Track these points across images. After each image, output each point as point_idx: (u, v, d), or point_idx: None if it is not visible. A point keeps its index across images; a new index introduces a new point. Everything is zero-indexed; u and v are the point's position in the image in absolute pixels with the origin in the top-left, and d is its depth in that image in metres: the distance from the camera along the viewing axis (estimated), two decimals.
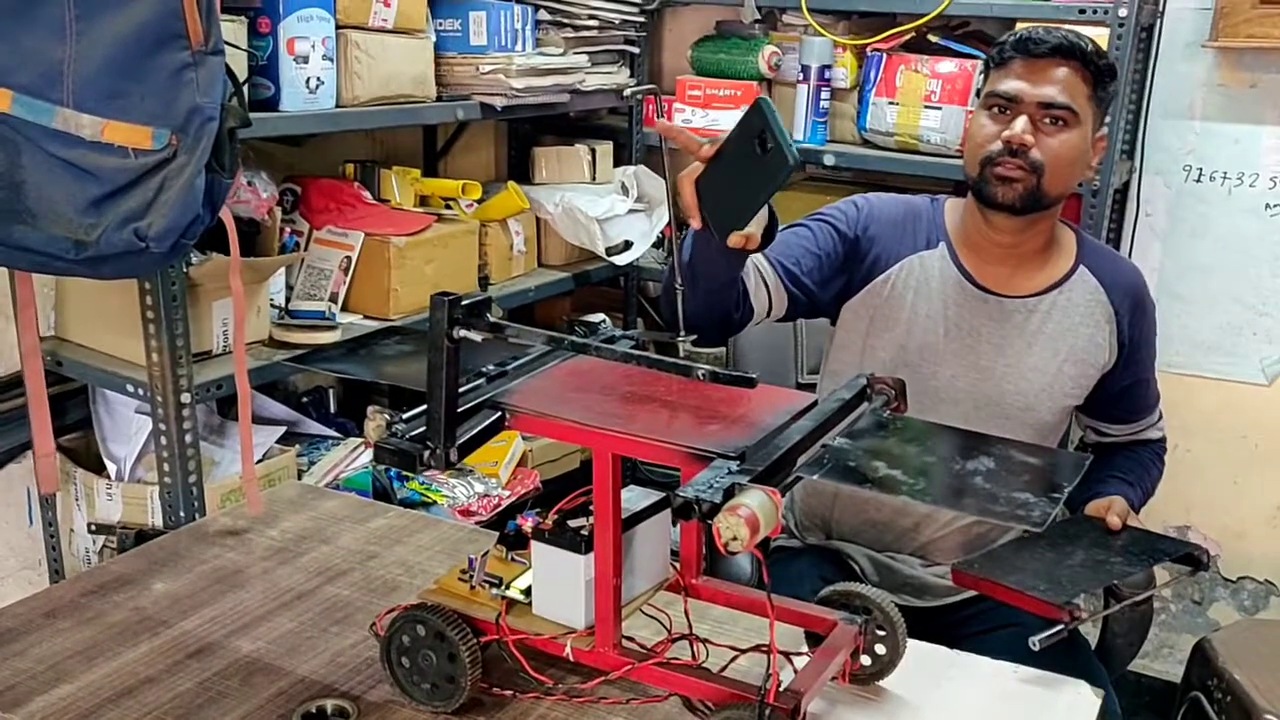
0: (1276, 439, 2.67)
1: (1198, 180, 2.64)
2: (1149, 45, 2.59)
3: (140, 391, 1.85)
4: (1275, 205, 2.58)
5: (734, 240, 1.28)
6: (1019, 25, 1.79)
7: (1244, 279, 2.64)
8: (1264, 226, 2.60)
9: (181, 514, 1.86)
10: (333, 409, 2.50)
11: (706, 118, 2.76)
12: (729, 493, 0.83)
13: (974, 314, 1.69)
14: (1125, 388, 1.77)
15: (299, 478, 2.10)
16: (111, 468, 2.01)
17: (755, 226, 1.32)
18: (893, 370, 1.65)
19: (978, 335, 1.69)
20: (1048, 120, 1.60)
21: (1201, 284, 2.69)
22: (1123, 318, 1.72)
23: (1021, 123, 1.59)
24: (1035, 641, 1.33)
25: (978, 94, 1.75)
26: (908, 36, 2.55)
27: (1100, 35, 2.31)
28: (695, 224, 1.29)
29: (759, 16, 2.70)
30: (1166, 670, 2.85)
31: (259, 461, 2.01)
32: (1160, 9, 2.55)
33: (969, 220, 1.72)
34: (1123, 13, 2.29)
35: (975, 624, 1.69)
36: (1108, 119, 1.71)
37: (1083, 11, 2.33)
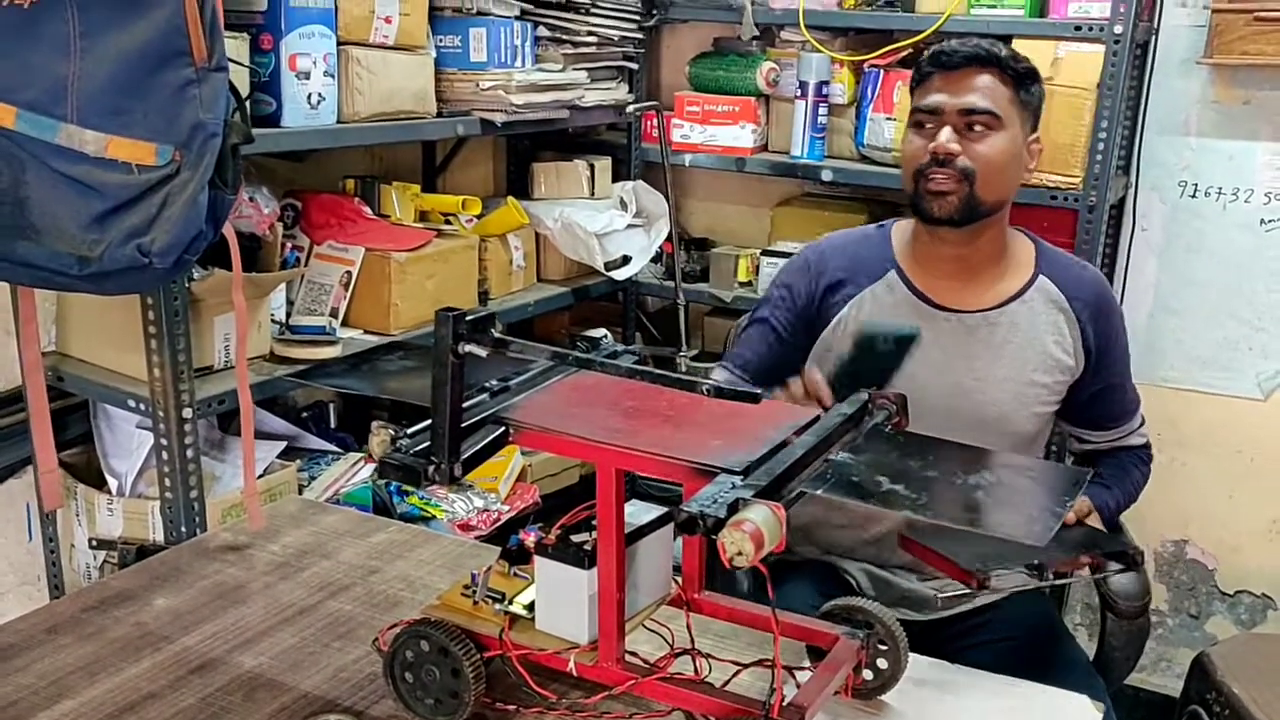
0: (1273, 453, 2.68)
1: (1193, 196, 2.66)
2: (1144, 62, 2.60)
3: (142, 406, 1.86)
4: (1270, 221, 2.60)
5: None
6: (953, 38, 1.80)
7: (1240, 294, 2.65)
8: (1259, 242, 2.61)
9: (183, 529, 1.86)
10: (333, 424, 2.50)
11: (705, 133, 2.78)
12: (733, 508, 0.84)
13: (935, 332, 1.69)
14: (1098, 393, 1.76)
15: (299, 493, 2.10)
16: (113, 483, 2.01)
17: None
18: None
19: (944, 352, 1.69)
20: (971, 127, 1.62)
21: (1198, 299, 2.70)
22: (1085, 324, 1.72)
23: (945, 133, 1.61)
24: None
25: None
26: (904, 53, 2.57)
27: (1096, 52, 2.33)
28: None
29: (757, 33, 2.71)
30: (1165, 684, 2.85)
31: (260, 476, 2.01)
32: (1155, 26, 2.57)
33: (917, 239, 1.73)
34: (1118, 30, 2.30)
35: (973, 637, 1.70)
36: (1038, 124, 1.72)
37: (1079, 29, 2.35)
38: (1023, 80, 1.64)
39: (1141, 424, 1.85)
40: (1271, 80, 2.52)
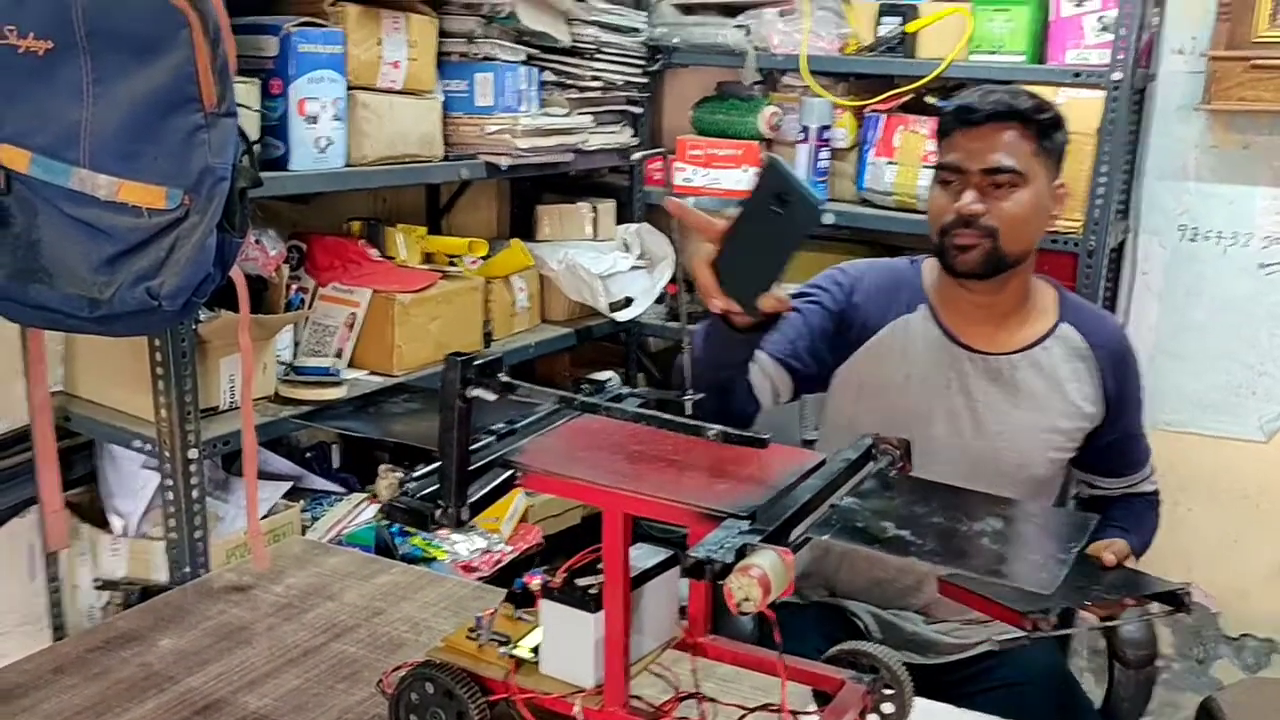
0: (1276, 497, 2.68)
1: (1193, 240, 2.68)
2: (1142, 107, 2.63)
3: (148, 447, 1.86)
4: (1269, 265, 2.61)
5: (767, 304, 1.19)
6: (963, 91, 1.77)
7: (1241, 338, 2.66)
8: (1259, 286, 2.62)
9: (187, 569, 1.86)
10: (336, 464, 2.50)
11: (708, 177, 2.80)
12: (741, 553, 0.84)
13: (960, 373, 1.70)
14: (1114, 441, 1.78)
15: (303, 533, 2.10)
16: (117, 523, 2.01)
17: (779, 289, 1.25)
18: (884, 434, 1.67)
19: (966, 394, 1.70)
20: (995, 185, 1.62)
21: (1199, 343, 2.71)
22: (1107, 372, 1.73)
23: (969, 195, 1.62)
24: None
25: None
26: (906, 98, 2.59)
27: (1095, 98, 2.35)
28: (717, 304, 1.21)
29: (759, 78, 2.75)
30: None
31: (264, 517, 2.02)
32: (1153, 73, 2.60)
33: (944, 281, 1.74)
34: (1117, 76, 2.33)
35: (978, 683, 1.69)
36: (1062, 167, 1.71)
37: (1078, 75, 2.38)
38: (1046, 130, 1.65)
39: (1152, 472, 1.86)
40: (1269, 125, 2.54)
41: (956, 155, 1.65)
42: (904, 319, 1.74)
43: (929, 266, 1.78)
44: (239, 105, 1.52)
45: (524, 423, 1.12)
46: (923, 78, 2.53)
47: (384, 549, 2.20)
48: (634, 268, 2.78)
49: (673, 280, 2.81)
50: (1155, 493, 1.87)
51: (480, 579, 2.24)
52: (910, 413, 1.70)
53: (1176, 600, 1.49)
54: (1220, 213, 2.64)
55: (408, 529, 2.26)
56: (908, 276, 1.78)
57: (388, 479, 1.03)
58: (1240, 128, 2.58)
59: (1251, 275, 2.63)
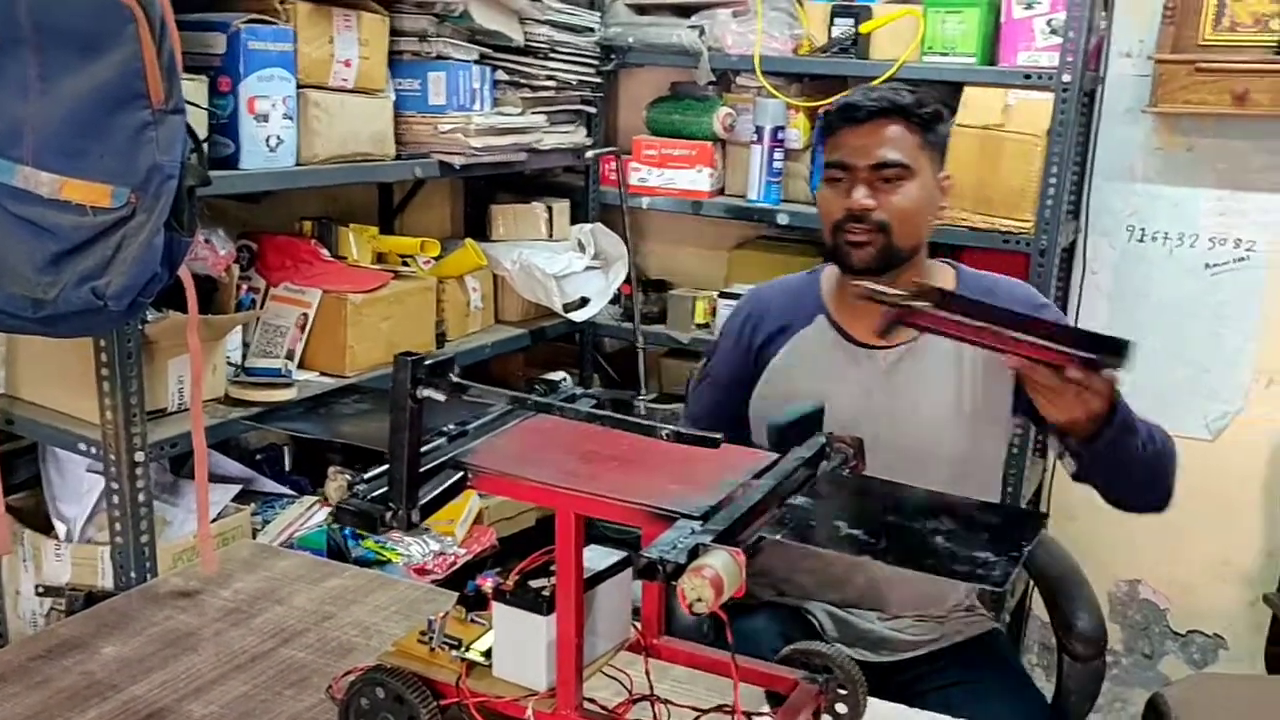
0: (1222, 494, 2.72)
1: (1140, 240, 2.71)
2: (1091, 110, 2.66)
3: (93, 450, 1.83)
4: (1214, 265, 2.65)
5: None
6: (857, 86, 1.80)
7: (1187, 337, 2.70)
8: (1204, 286, 2.67)
9: (132, 575, 1.83)
10: (287, 466, 2.47)
11: (663, 177, 2.81)
12: (693, 553, 0.84)
13: (864, 373, 1.71)
14: None
15: (253, 537, 2.07)
16: (61, 528, 1.97)
17: None
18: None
19: (875, 393, 1.70)
20: (883, 180, 1.64)
21: (1146, 342, 2.73)
22: None
23: (859, 190, 1.64)
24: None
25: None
26: None
27: (1045, 100, 2.38)
28: None
29: (713, 78, 2.75)
30: None
31: (214, 520, 1.99)
32: (1101, 75, 2.63)
33: (840, 283, 1.75)
34: (1066, 78, 2.36)
35: (932, 681, 1.70)
36: (946, 159, 1.73)
37: (1028, 77, 2.40)
38: (929, 124, 1.67)
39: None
40: (1213, 128, 2.59)
41: (843, 153, 1.66)
42: (801, 333, 1.76)
43: (827, 274, 1.80)
44: (187, 103, 1.49)
45: (476, 424, 1.11)
46: (876, 79, 2.53)
47: (336, 552, 2.18)
48: (589, 268, 2.77)
49: (627, 280, 2.81)
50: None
51: (434, 582, 2.22)
52: (830, 423, 1.68)
53: (1116, 346, 1.33)
54: (1166, 214, 2.68)
55: (360, 532, 2.24)
56: (807, 289, 1.81)
57: (337, 481, 1.02)
58: (1185, 130, 2.62)
59: (1197, 276, 2.67)
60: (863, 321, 1.72)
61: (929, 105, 1.67)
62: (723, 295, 2.75)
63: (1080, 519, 2.86)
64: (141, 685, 1.26)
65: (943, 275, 1.77)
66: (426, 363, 0.99)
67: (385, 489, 1.00)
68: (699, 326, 2.83)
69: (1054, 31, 2.37)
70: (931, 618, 1.75)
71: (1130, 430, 1.53)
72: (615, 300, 2.90)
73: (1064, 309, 2.77)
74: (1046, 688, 1.83)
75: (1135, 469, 1.56)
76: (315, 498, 2.28)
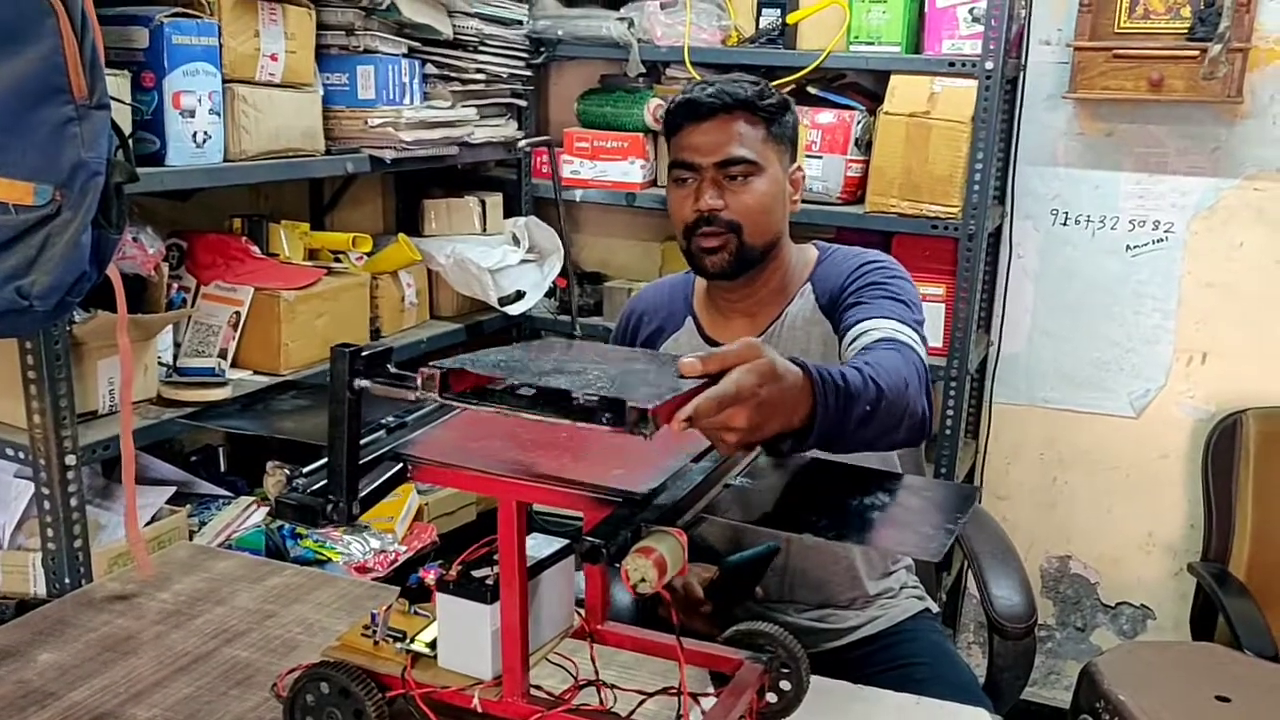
0: (1146, 469, 2.80)
1: (1064, 224, 2.78)
2: (1014, 96, 2.72)
3: (21, 455, 1.79)
4: (1135, 247, 2.72)
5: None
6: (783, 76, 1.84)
7: (1110, 317, 2.77)
8: (1125, 267, 2.74)
9: (66, 580, 1.79)
10: (223, 467, 2.44)
11: (595, 169, 2.81)
12: (636, 534, 0.85)
13: None
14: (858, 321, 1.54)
15: (190, 538, 2.04)
16: None
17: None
18: None
19: None
20: (731, 178, 1.59)
21: (1072, 323, 2.81)
22: (824, 302, 1.64)
23: (709, 193, 1.58)
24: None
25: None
26: (787, 89, 2.63)
27: (969, 88, 2.42)
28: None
29: (643, 70, 2.76)
30: (1055, 696, 2.95)
31: (149, 523, 1.96)
32: (1023, 63, 2.69)
33: (705, 285, 1.73)
34: (989, 66, 2.40)
35: (874, 663, 1.70)
36: (799, 152, 1.69)
37: (952, 65, 2.45)
38: (774, 116, 1.61)
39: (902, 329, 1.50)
40: (1131, 114, 2.65)
41: (687, 152, 1.60)
42: (673, 338, 1.74)
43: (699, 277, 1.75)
44: (110, 99, 1.47)
45: (415, 416, 1.11)
46: (803, 69, 2.57)
47: (275, 552, 2.16)
48: (523, 261, 2.77)
49: (562, 274, 2.81)
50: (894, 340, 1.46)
51: (375, 579, 2.21)
52: None
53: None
54: (1088, 197, 2.74)
55: (299, 530, 2.22)
56: (679, 291, 1.78)
57: (276, 476, 1.01)
58: (1104, 116, 2.69)
59: (1119, 257, 2.74)
60: (732, 322, 1.70)
61: (772, 97, 1.61)
62: None
63: (1012, 498, 2.93)
64: (81, 691, 1.24)
65: (801, 273, 1.71)
66: (364, 354, 0.99)
67: (325, 482, 0.99)
68: None
69: (976, 20, 2.41)
70: (855, 607, 1.76)
71: (849, 399, 1.18)
72: (551, 293, 2.90)
73: (991, 292, 2.83)
74: (983, 665, 1.87)
75: (868, 430, 1.23)
76: (252, 498, 2.25)
